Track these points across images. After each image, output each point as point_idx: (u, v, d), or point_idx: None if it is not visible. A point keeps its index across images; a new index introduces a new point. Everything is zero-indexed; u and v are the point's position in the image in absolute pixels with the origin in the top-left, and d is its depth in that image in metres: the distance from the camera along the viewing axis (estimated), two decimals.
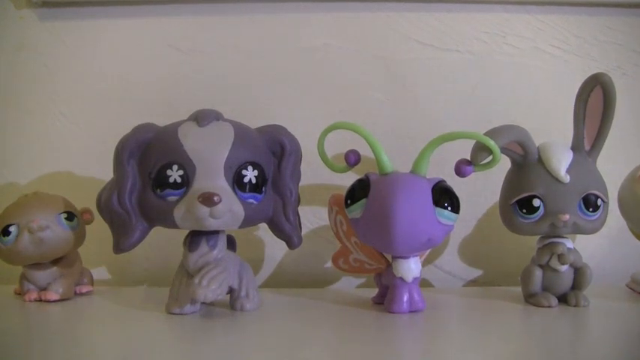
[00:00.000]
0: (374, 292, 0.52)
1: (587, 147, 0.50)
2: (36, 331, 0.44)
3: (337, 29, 0.63)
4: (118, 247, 0.48)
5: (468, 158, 0.47)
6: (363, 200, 0.46)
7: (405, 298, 0.48)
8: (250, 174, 0.47)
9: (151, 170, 0.46)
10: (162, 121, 0.49)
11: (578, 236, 0.56)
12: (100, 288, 0.57)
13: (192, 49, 0.63)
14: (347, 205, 0.47)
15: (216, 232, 0.47)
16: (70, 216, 0.52)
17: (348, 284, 0.63)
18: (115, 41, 0.63)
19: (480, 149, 0.46)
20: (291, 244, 0.50)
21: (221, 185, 0.45)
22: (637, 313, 0.49)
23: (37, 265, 0.51)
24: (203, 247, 0.47)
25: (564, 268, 0.50)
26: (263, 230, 0.61)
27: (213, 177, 0.45)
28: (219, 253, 0.47)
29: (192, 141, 0.46)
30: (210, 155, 0.46)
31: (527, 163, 0.50)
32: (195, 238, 0.47)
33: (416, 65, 0.63)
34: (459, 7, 0.63)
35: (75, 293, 0.53)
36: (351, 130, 0.48)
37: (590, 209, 0.49)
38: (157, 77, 0.63)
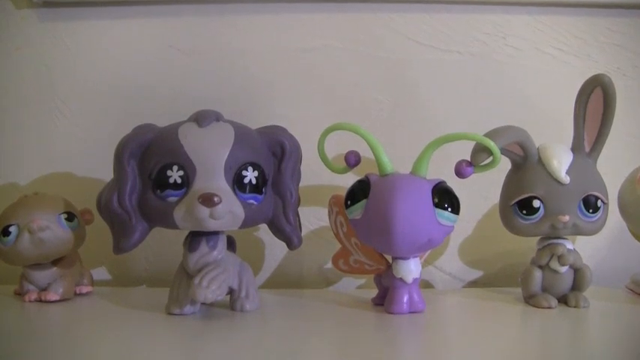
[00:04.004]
0: (374, 293, 0.52)
1: (587, 148, 0.50)
2: (36, 331, 0.44)
3: (337, 30, 0.63)
4: (118, 248, 0.48)
5: (468, 159, 0.47)
6: (363, 201, 0.46)
7: (405, 299, 0.48)
8: (250, 175, 0.47)
9: (151, 171, 0.46)
10: (162, 122, 0.49)
11: (578, 237, 0.56)
12: (99, 288, 0.57)
13: (192, 50, 0.63)
14: (347, 206, 0.47)
15: (216, 233, 0.47)
16: (71, 216, 0.52)
17: (348, 285, 0.63)
18: (116, 41, 0.63)
19: (480, 150, 0.46)
20: (291, 245, 0.50)
21: (221, 186, 0.45)
22: (636, 315, 0.49)
23: (37, 266, 0.51)
24: (203, 247, 0.47)
25: (564, 269, 0.50)
26: (263, 231, 0.60)
27: (213, 178, 0.45)
28: (219, 254, 0.47)
29: (193, 142, 0.46)
30: (210, 156, 0.46)
31: (527, 164, 0.50)
32: (195, 238, 0.47)
33: (416, 66, 0.63)
34: (459, 8, 0.63)
35: (75, 294, 0.53)
36: (351, 131, 0.48)
37: (590, 210, 0.49)
38: (157, 78, 0.63)
